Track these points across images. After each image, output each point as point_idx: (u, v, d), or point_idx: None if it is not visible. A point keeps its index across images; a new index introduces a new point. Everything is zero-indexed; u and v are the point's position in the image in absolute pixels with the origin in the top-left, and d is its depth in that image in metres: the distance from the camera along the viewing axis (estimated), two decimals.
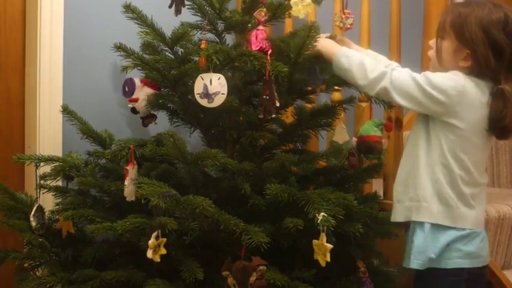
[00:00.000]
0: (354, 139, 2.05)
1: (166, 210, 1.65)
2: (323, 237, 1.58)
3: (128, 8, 1.94)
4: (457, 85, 1.60)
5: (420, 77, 1.63)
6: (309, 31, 1.73)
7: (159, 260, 1.60)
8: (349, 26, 2.14)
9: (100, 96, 2.31)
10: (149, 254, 1.59)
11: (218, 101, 1.72)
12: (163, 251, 1.61)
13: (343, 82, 1.87)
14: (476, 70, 1.62)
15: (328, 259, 1.58)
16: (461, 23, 1.62)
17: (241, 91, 1.93)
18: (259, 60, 1.73)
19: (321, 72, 1.83)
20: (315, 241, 1.60)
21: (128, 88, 2.04)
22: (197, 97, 1.73)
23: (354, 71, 1.68)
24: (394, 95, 1.64)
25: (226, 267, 1.64)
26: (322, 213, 1.58)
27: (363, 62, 1.67)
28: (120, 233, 1.64)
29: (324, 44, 1.76)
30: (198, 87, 1.72)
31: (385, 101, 1.95)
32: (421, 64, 2.14)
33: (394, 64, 1.81)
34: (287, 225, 1.62)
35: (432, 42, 1.72)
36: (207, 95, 1.72)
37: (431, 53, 1.73)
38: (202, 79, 1.72)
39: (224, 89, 1.72)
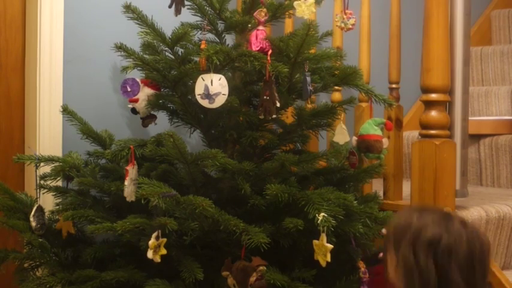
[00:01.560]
0: (354, 138, 2.05)
1: (166, 211, 1.65)
2: (323, 237, 1.58)
3: (128, 8, 1.94)
4: None
5: None
6: (308, 30, 1.73)
7: (159, 260, 1.60)
8: (351, 26, 2.14)
9: (100, 96, 2.31)
10: (150, 254, 1.59)
11: (219, 101, 1.72)
12: (163, 251, 1.61)
13: (342, 82, 1.88)
14: None
15: (329, 259, 1.58)
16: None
17: (241, 91, 1.93)
18: (259, 60, 1.74)
19: (310, 83, 1.83)
20: (315, 241, 1.60)
21: (131, 88, 2.04)
22: (198, 98, 1.73)
23: None
24: None
25: (226, 267, 1.64)
26: (322, 214, 1.58)
27: None
28: (120, 233, 1.64)
29: None
30: (199, 88, 1.72)
31: (385, 100, 1.95)
32: (421, 65, 2.14)
33: None
34: (287, 225, 1.62)
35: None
36: (208, 95, 1.72)
37: None
38: (203, 80, 1.72)
39: (225, 90, 1.72)
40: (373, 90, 1.94)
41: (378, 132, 2.01)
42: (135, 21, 1.95)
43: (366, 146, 1.99)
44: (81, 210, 1.82)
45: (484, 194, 2.56)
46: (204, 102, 1.72)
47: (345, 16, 2.12)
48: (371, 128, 2.00)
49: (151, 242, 1.59)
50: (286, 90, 1.88)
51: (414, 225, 1.30)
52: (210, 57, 1.69)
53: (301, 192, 1.70)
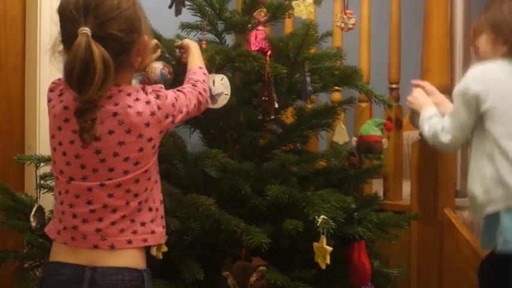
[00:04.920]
0: (354, 139, 2.05)
1: (168, 210, 1.65)
2: (323, 239, 1.58)
3: None
4: (472, 76, 1.77)
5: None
6: (307, 30, 1.73)
7: (161, 257, 1.60)
8: (351, 26, 2.13)
9: None
10: (153, 251, 1.59)
11: (221, 101, 1.72)
12: (164, 249, 1.61)
13: (342, 82, 1.88)
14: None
15: (328, 262, 1.58)
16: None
17: (241, 91, 1.93)
18: (258, 61, 1.74)
19: (310, 83, 1.83)
20: (315, 244, 1.60)
21: None
22: None
23: (425, 132, 1.90)
24: (441, 139, 1.82)
25: (226, 267, 1.64)
26: (322, 216, 1.58)
27: (425, 129, 1.89)
28: None
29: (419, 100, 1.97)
30: None
31: (385, 101, 1.96)
32: (421, 64, 2.14)
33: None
34: (287, 227, 1.62)
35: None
36: (210, 96, 1.72)
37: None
38: None
39: (227, 90, 1.72)
40: (373, 91, 1.94)
41: (378, 132, 2.01)
42: None
43: (366, 146, 1.99)
44: None
45: None
46: None
47: (345, 16, 2.12)
48: (371, 128, 2.00)
49: None
50: (285, 90, 1.88)
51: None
52: (212, 57, 1.69)
53: (301, 193, 1.69)
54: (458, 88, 1.81)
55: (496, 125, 1.74)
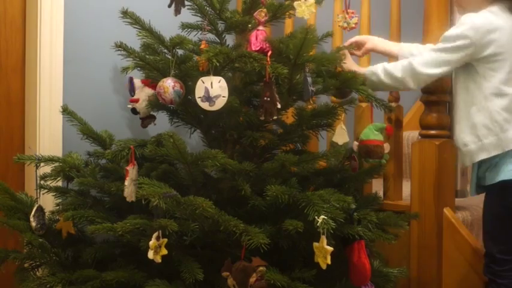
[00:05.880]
0: (355, 143, 2.05)
1: (167, 211, 1.65)
2: (323, 239, 1.58)
3: (125, 14, 1.93)
4: (471, 25, 1.84)
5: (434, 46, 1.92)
6: (306, 34, 1.73)
7: (160, 261, 1.60)
8: (353, 25, 2.13)
9: (100, 96, 2.31)
10: (150, 254, 1.59)
11: (219, 104, 1.72)
12: (164, 252, 1.61)
13: (343, 85, 1.88)
14: None
15: (329, 262, 1.58)
16: None
17: (241, 91, 1.93)
18: (259, 62, 1.74)
19: (312, 84, 1.83)
20: (315, 244, 1.60)
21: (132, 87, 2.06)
22: (198, 101, 1.72)
23: (386, 83, 1.98)
24: (423, 71, 1.90)
25: (226, 267, 1.64)
26: (322, 216, 1.58)
27: (387, 69, 1.97)
28: (120, 234, 1.64)
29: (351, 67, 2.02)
30: (199, 91, 1.72)
31: (385, 105, 1.96)
32: None
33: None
34: (287, 227, 1.62)
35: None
36: (208, 98, 1.72)
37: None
38: (203, 82, 1.72)
39: (225, 92, 1.72)
40: (374, 94, 1.94)
41: (379, 137, 2.01)
42: (133, 26, 1.95)
43: (366, 151, 2.00)
44: (81, 211, 1.82)
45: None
46: (205, 105, 1.72)
47: (347, 15, 2.12)
48: (371, 133, 2.00)
49: (152, 242, 1.59)
50: (286, 91, 1.87)
51: None
52: (210, 59, 1.69)
53: (301, 193, 1.69)
54: (454, 32, 1.86)
55: (495, 72, 1.83)
